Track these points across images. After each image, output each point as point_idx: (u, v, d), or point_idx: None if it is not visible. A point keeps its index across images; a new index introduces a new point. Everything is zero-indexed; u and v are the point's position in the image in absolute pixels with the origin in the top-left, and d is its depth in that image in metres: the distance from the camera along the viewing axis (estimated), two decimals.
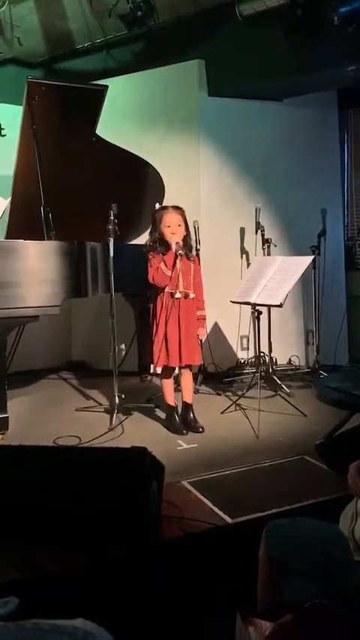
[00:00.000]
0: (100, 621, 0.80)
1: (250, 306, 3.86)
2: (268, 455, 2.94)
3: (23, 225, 3.80)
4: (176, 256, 3.29)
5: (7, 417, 3.23)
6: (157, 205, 3.90)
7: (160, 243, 3.37)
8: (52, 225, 3.74)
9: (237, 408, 3.83)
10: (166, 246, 3.35)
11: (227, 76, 4.70)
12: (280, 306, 3.56)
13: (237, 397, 3.94)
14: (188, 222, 3.50)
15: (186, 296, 3.35)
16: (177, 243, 3.30)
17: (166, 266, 3.32)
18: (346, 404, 2.49)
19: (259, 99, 4.96)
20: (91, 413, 3.81)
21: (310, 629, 1.08)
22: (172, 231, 3.34)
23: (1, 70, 5.32)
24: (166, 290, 3.35)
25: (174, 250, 3.29)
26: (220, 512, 2.26)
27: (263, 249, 4.60)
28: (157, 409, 3.78)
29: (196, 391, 4.07)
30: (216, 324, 4.79)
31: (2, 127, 4.92)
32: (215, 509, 2.30)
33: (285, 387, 4.13)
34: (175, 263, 3.30)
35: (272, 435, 3.31)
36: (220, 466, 2.79)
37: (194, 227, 4.33)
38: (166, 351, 3.35)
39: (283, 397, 3.95)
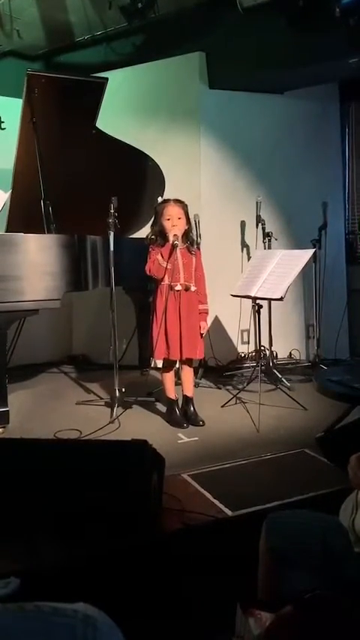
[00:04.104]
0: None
1: (250, 300, 3.85)
2: (269, 448, 2.94)
3: (23, 218, 3.80)
4: (173, 248, 3.29)
5: (8, 410, 3.23)
6: (160, 199, 3.90)
7: (161, 235, 3.38)
8: (52, 218, 3.73)
9: (237, 401, 3.83)
10: (166, 238, 3.35)
11: (228, 68, 4.68)
12: (281, 299, 3.57)
13: (237, 391, 3.95)
14: (189, 216, 3.50)
15: (187, 289, 3.36)
16: (174, 235, 3.30)
17: (163, 258, 3.32)
18: (347, 397, 2.48)
19: (260, 91, 4.95)
20: (91, 406, 3.82)
21: (310, 620, 1.09)
22: (173, 223, 3.35)
23: (1, 63, 5.30)
24: (165, 282, 3.35)
25: (171, 241, 3.30)
26: (221, 505, 2.26)
27: (264, 242, 4.59)
28: (157, 403, 3.79)
29: (196, 385, 4.08)
30: (216, 317, 4.79)
31: (2, 120, 4.92)
32: (216, 502, 2.30)
33: (285, 381, 4.14)
34: (171, 255, 3.30)
35: (272, 429, 3.31)
36: (221, 459, 2.79)
37: (195, 221, 4.32)
38: (166, 344, 3.36)
39: (283, 391, 3.95)
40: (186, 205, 3.43)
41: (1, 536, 2.01)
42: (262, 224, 4.61)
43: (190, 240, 3.46)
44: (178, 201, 3.42)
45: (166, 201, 3.50)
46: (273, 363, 4.46)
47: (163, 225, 3.37)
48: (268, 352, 4.50)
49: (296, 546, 1.41)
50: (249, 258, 4.78)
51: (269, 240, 4.56)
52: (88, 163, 3.96)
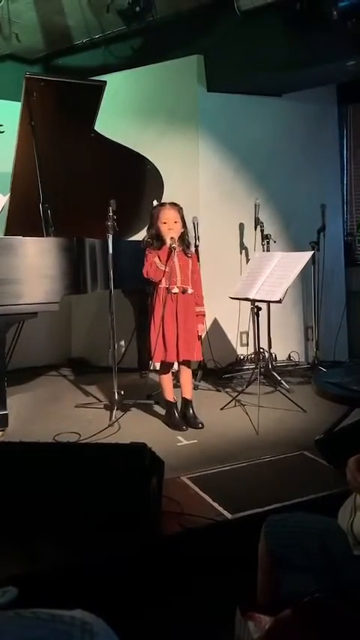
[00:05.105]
0: (99, 616, 0.80)
1: (249, 302, 3.85)
2: (268, 450, 2.94)
3: (22, 221, 3.80)
4: (170, 251, 3.30)
5: (7, 413, 3.23)
6: (155, 202, 3.91)
7: (157, 239, 3.39)
8: (50, 221, 3.74)
9: (237, 404, 3.83)
10: (162, 241, 3.36)
11: (226, 71, 4.69)
12: (280, 302, 3.56)
13: (236, 393, 3.95)
14: (187, 218, 3.53)
15: (184, 291, 3.37)
16: (171, 238, 3.32)
17: (160, 261, 3.33)
18: (346, 399, 2.48)
19: (258, 94, 4.96)
20: (90, 409, 3.81)
21: (310, 623, 1.08)
22: (169, 227, 3.36)
23: (0, 66, 5.31)
24: (162, 285, 3.36)
25: (168, 245, 3.30)
26: (220, 508, 2.26)
27: (262, 245, 4.59)
28: (156, 405, 3.78)
29: (195, 387, 4.08)
30: (215, 320, 4.79)
31: (0, 123, 4.91)
32: (215, 504, 2.30)
33: (284, 383, 4.14)
34: (168, 258, 3.31)
35: (272, 431, 3.31)
36: (220, 462, 2.79)
37: (193, 223, 4.33)
38: (163, 347, 3.36)
39: (282, 393, 3.95)
40: (181, 208, 3.44)
41: (1, 539, 2.01)
42: (260, 226, 4.62)
43: (186, 242, 3.46)
44: (173, 205, 3.43)
45: (161, 204, 3.52)
46: (272, 365, 4.47)
47: (159, 228, 3.39)
48: (267, 354, 4.50)
49: (295, 549, 1.41)
50: (247, 260, 4.78)
51: (268, 243, 4.57)
52: (86, 166, 3.96)
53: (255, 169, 4.95)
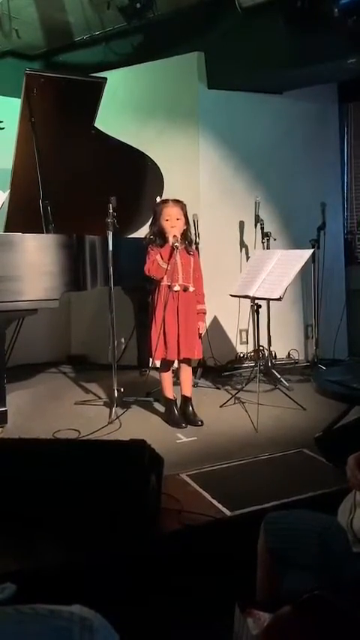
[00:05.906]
0: (98, 613, 0.80)
1: (249, 300, 3.85)
2: (267, 448, 2.94)
3: (22, 218, 3.79)
4: (173, 249, 3.29)
5: (6, 410, 3.23)
6: (158, 199, 3.90)
7: (159, 236, 3.39)
8: (50, 218, 3.73)
9: (236, 401, 3.83)
10: (165, 239, 3.35)
11: (227, 68, 4.67)
12: (280, 299, 3.56)
13: (236, 391, 3.95)
14: (188, 216, 3.51)
15: (185, 289, 3.36)
16: (174, 236, 3.31)
17: (162, 258, 3.32)
18: (346, 397, 2.49)
19: (259, 91, 4.95)
20: (90, 406, 3.81)
21: (309, 620, 1.08)
22: (172, 224, 3.35)
23: (0, 63, 5.30)
24: (164, 283, 3.35)
25: (170, 243, 3.30)
26: (219, 505, 2.26)
27: (263, 242, 4.59)
28: (156, 403, 3.79)
29: (195, 385, 4.08)
30: (215, 317, 4.79)
31: (1, 119, 4.91)
32: (214, 501, 2.30)
33: (284, 381, 4.13)
34: (171, 256, 3.30)
35: (271, 429, 3.31)
36: (219, 459, 2.79)
37: (193, 221, 4.32)
38: (164, 345, 3.36)
39: (282, 391, 3.95)
40: (184, 205, 3.43)
41: (0, 536, 2.01)
42: (260, 224, 4.61)
43: (188, 240, 3.46)
44: (176, 202, 3.42)
45: (164, 201, 3.50)
46: (272, 363, 4.47)
47: (162, 225, 3.38)
48: (266, 352, 4.50)
49: (294, 546, 1.41)
50: (248, 258, 4.78)
51: (268, 240, 4.56)
52: (86, 163, 3.95)
53: (255, 167, 4.94)
